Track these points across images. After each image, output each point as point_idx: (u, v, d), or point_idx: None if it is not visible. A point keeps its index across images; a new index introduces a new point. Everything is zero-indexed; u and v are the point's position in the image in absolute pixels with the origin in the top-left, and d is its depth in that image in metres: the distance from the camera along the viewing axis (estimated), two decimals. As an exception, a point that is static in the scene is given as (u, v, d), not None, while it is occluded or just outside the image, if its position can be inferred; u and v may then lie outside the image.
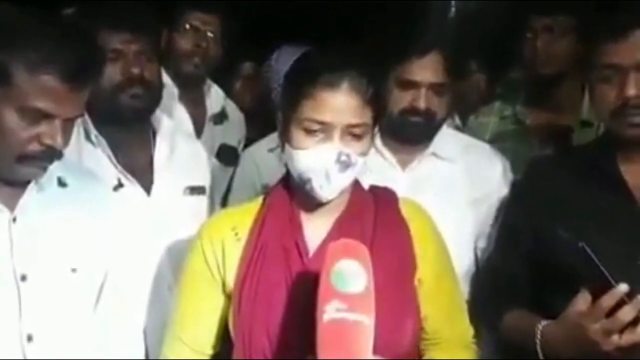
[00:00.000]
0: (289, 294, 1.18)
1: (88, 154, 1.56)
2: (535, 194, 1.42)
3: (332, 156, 1.15)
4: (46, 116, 1.15)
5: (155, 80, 1.59)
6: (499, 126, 2.00)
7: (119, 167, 1.57)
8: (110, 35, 1.53)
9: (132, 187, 1.58)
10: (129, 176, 1.57)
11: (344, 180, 1.18)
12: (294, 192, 1.24)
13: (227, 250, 1.23)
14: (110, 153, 1.57)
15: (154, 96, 1.60)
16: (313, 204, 1.22)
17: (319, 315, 1.02)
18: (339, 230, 1.21)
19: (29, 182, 1.23)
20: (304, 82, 1.16)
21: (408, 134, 1.63)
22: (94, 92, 1.54)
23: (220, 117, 2.24)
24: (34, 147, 1.16)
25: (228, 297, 1.23)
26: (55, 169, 1.25)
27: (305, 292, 1.12)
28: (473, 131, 1.98)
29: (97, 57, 1.21)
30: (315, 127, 1.15)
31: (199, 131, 2.14)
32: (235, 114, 2.32)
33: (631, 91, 1.27)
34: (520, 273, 1.41)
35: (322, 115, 1.15)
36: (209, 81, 2.24)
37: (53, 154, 1.18)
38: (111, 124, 1.57)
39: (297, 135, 1.17)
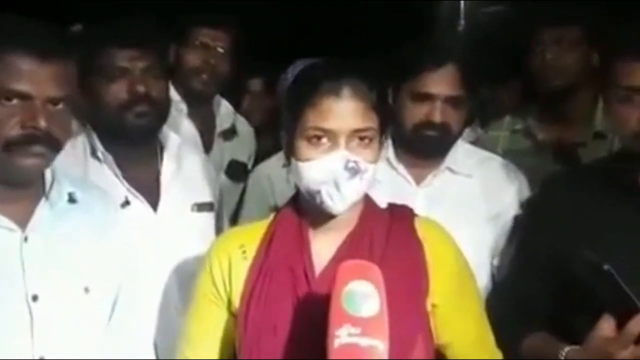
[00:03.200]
0: (296, 316, 1.11)
1: (94, 171, 1.51)
2: (554, 211, 1.34)
3: (339, 163, 1.10)
4: (23, 98, 1.11)
5: (162, 98, 1.54)
6: (510, 140, 1.93)
7: (126, 183, 1.52)
8: (116, 52, 1.49)
9: (139, 204, 1.52)
10: (135, 193, 1.52)
11: (354, 189, 1.12)
12: (303, 210, 1.18)
13: (233, 269, 1.18)
14: (117, 170, 1.53)
15: (161, 114, 1.55)
16: (323, 220, 1.16)
17: (330, 340, 0.95)
18: (348, 248, 1.15)
19: (39, 198, 1.18)
20: (305, 92, 1.12)
21: (423, 148, 1.57)
22: (100, 109, 1.52)
23: (230, 133, 2.19)
24: (16, 131, 1.11)
25: (234, 316, 1.17)
26: (65, 184, 1.22)
27: (311, 314, 1.06)
28: (483, 145, 1.90)
29: (64, 32, 1.19)
30: (320, 135, 1.10)
31: (208, 147, 2.08)
32: (245, 130, 2.26)
33: None
34: (540, 294, 1.33)
35: (326, 122, 1.10)
36: (218, 97, 2.19)
37: (39, 137, 1.12)
38: (117, 141, 1.53)
39: (302, 146, 1.12)
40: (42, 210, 1.19)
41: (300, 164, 1.13)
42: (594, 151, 1.77)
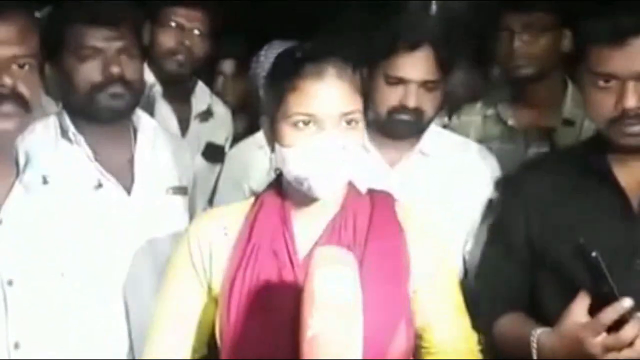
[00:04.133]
0: (279, 299, 1.08)
1: (65, 152, 1.44)
2: (529, 196, 1.32)
3: (328, 148, 1.05)
4: None
5: (137, 79, 1.47)
6: (483, 126, 1.89)
7: (98, 166, 1.46)
8: (88, 31, 1.41)
9: (112, 187, 1.46)
10: (108, 176, 1.46)
11: (343, 174, 1.08)
12: (286, 194, 1.14)
13: (215, 251, 1.13)
14: (89, 152, 1.46)
15: (135, 95, 1.47)
16: (306, 204, 1.11)
17: (302, 327, 0.92)
18: (331, 233, 1.11)
19: (13, 180, 1.14)
20: (287, 75, 1.07)
21: (396, 131, 1.53)
22: (72, 89, 1.45)
23: (206, 115, 2.11)
24: None
25: (213, 300, 1.13)
26: (39, 166, 1.17)
27: (294, 298, 1.03)
28: (456, 130, 1.87)
29: None
30: (306, 120, 1.05)
31: (184, 129, 2.01)
32: (221, 112, 2.18)
33: (631, 102, 1.17)
34: (514, 275, 1.32)
35: (311, 107, 1.05)
36: (194, 78, 2.10)
37: (6, 95, 1.08)
38: (89, 122, 1.46)
39: (287, 131, 1.06)
40: (16, 192, 1.14)
41: (286, 150, 1.07)
42: (563, 137, 1.76)
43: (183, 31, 1.96)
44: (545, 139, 1.79)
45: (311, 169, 1.06)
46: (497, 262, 1.35)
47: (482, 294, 1.32)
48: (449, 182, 1.56)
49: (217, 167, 1.93)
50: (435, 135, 1.60)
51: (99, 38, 1.42)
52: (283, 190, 1.14)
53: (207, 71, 2.23)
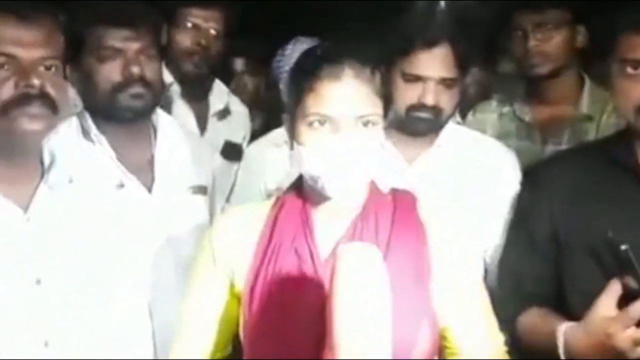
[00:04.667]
0: (301, 298, 1.07)
1: (88, 152, 1.44)
2: (553, 190, 1.30)
3: (341, 149, 1.04)
4: (13, 60, 1.09)
5: (156, 79, 1.47)
6: (499, 123, 1.87)
7: (120, 166, 1.46)
8: (108, 32, 1.41)
9: (134, 186, 1.46)
10: (129, 175, 1.46)
11: (357, 175, 1.07)
12: (306, 194, 1.13)
13: (237, 249, 1.12)
14: (111, 151, 1.46)
15: (155, 95, 1.47)
16: (327, 204, 1.10)
17: (329, 325, 0.91)
18: (353, 233, 1.10)
19: (39, 180, 1.15)
20: (306, 75, 1.06)
21: (415, 129, 1.51)
22: (92, 90, 1.45)
23: (224, 113, 2.10)
24: (11, 92, 1.08)
25: (237, 298, 1.12)
26: (64, 166, 1.18)
27: (316, 296, 1.02)
28: (471, 127, 1.85)
29: None
30: (321, 120, 1.04)
31: (202, 128, 2.01)
32: (239, 110, 2.18)
33: None
34: (539, 271, 1.29)
35: (327, 107, 1.04)
36: (211, 76, 2.10)
37: (34, 96, 1.09)
38: (110, 123, 1.46)
39: (303, 131, 1.06)
40: (43, 192, 1.15)
41: (302, 149, 1.07)
42: (582, 133, 1.74)
43: (199, 31, 1.96)
44: (562, 135, 1.78)
45: (324, 169, 1.05)
46: (521, 257, 1.33)
47: (506, 290, 1.30)
48: (468, 179, 1.54)
49: (236, 165, 1.92)
50: (453, 131, 1.58)
51: (118, 39, 1.42)
52: (304, 190, 1.13)
53: (224, 70, 2.22)
